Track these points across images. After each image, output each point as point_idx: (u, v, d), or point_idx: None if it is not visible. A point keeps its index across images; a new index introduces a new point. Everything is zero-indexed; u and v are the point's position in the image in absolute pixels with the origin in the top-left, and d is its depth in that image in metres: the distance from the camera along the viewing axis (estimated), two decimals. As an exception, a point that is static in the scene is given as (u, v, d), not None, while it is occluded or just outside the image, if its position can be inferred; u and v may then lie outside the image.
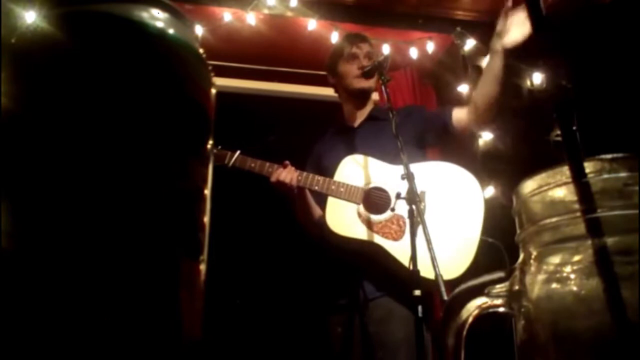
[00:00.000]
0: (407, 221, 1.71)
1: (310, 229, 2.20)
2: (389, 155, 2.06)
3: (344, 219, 2.01)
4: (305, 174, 2.06)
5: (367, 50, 2.22)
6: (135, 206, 0.35)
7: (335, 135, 2.31)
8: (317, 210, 2.17)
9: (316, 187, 2.04)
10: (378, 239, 1.99)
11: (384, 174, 2.08)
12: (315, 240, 2.19)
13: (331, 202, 2.03)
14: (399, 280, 1.90)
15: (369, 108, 2.30)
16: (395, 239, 1.99)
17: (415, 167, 2.05)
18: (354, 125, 2.28)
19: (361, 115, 2.29)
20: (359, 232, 2.00)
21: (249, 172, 2.09)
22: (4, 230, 0.33)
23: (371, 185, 2.07)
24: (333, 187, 2.04)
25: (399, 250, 1.95)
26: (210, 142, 0.42)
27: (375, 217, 2.02)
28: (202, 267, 0.39)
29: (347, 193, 2.03)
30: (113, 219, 0.34)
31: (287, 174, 2.05)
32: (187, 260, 0.37)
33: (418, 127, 2.16)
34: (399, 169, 1.89)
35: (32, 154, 0.35)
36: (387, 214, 2.02)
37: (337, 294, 2.07)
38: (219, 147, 2.11)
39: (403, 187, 1.75)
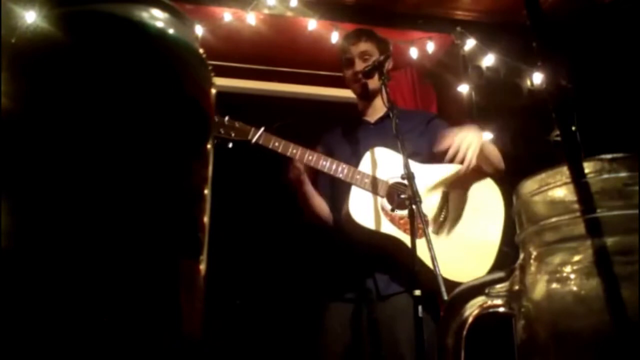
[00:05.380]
0: (429, 218, 1.69)
1: (312, 216, 2.17)
2: (416, 156, 2.04)
3: (367, 211, 1.98)
4: (330, 160, 2.03)
5: (362, 50, 2.17)
6: (135, 206, 0.35)
7: (351, 128, 2.27)
8: (317, 199, 2.14)
9: (341, 175, 2.01)
10: (400, 234, 1.96)
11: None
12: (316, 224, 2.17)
13: (355, 192, 2.00)
14: (417, 278, 1.89)
15: (382, 104, 2.28)
16: (416, 236, 1.98)
17: (437, 169, 2.04)
18: (371, 120, 2.27)
19: (376, 112, 2.26)
20: (381, 225, 1.96)
21: (271, 151, 2.04)
22: (4, 229, 0.33)
23: (394, 180, 2.04)
24: (358, 177, 2.01)
25: (420, 247, 1.94)
26: (210, 141, 0.42)
27: (398, 212, 1.99)
28: (202, 267, 0.39)
29: (371, 184, 2.01)
30: (113, 219, 0.34)
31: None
32: (187, 260, 0.37)
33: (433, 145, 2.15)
34: (421, 167, 1.88)
35: (32, 154, 0.35)
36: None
37: (346, 289, 2.03)
38: (240, 122, 2.08)
39: (423, 183, 1.74)
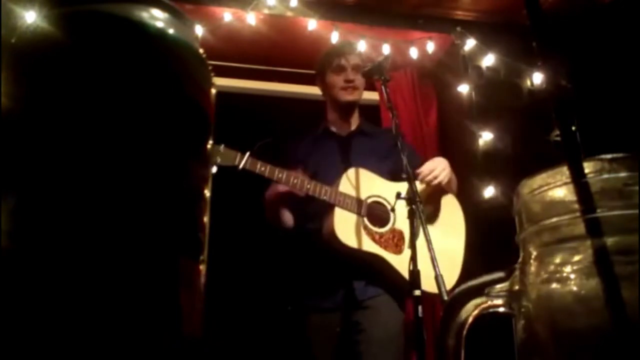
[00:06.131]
0: (406, 235, 1.81)
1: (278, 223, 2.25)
2: (385, 174, 2.19)
3: (351, 230, 2.09)
4: (314, 183, 2.10)
5: (355, 62, 2.26)
6: (135, 206, 0.35)
7: (322, 141, 2.31)
8: (287, 215, 2.23)
9: (325, 197, 2.09)
10: (381, 251, 2.08)
11: (384, 189, 2.18)
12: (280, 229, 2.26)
13: (338, 213, 2.09)
14: (393, 286, 2.05)
15: (355, 118, 2.35)
16: (395, 252, 2.10)
17: (400, 187, 2.10)
18: (342, 134, 2.31)
19: (349, 125, 2.34)
20: (364, 243, 2.07)
21: (258, 175, 2.10)
22: (4, 229, 0.33)
23: (373, 199, 2.16)
24: (340, 198, 2.10)
25: (400, 263, 2.05)
26: (210, 142, 0.42)
27: (377, 230, 2.11)
28: (202, 267, 0.39)
29: (352, 205, 2.10)
30: (113, 219, 0.34)
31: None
32: (187, 260, 0.37)
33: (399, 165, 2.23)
34: (397, 186, 1.98)
35: (32, 154, 0.35)
36: (388, 226, 2.13)
37: (325, 296, 2.12)
38: (223, 145, 2.10)
39: (400, 204, 1.85)
